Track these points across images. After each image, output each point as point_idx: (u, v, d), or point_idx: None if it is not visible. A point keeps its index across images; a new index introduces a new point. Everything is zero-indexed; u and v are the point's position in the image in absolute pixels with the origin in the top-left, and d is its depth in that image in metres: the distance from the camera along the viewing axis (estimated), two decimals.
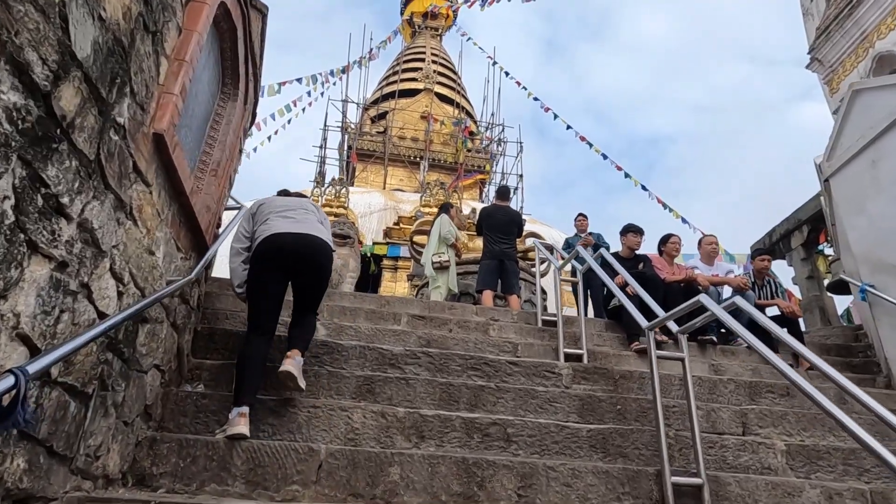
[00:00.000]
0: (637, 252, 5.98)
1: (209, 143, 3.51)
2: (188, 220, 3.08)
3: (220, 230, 3.94)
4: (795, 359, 5.55)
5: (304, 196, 4.09)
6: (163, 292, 2.51)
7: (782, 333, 2.74)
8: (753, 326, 3.25)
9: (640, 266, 5.70)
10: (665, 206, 25.96)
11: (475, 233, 7.67)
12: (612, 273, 5.14)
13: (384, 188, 26.68)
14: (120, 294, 2.26)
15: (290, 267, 3.30)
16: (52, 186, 1.65)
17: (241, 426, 2.71)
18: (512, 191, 30.14)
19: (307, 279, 3.39)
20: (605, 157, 28.12)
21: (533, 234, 9.71)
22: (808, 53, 15.24)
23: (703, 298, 2.97)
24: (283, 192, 4.07)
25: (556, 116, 29.81)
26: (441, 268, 7.50)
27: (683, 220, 25.40)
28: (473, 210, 14.93)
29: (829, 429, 3.87)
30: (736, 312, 5.59)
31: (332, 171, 34.73)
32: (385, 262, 13.25)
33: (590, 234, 8.92)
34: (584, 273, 5.36)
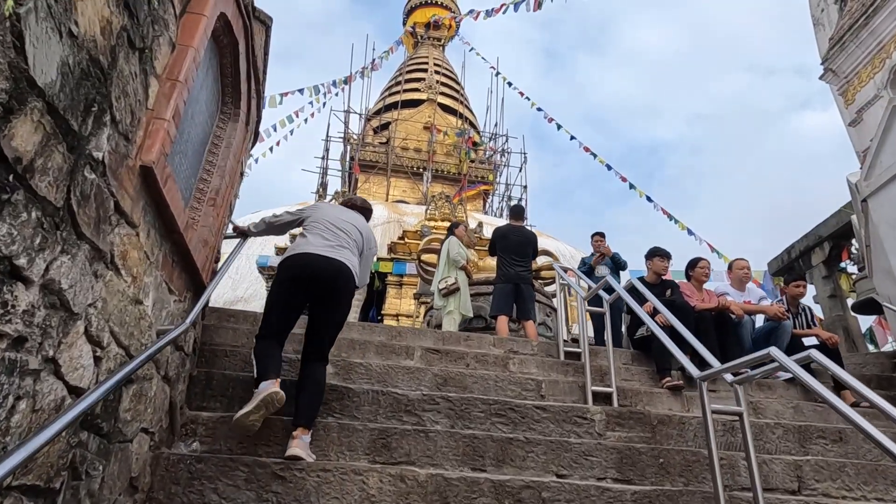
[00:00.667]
0: (664, 277, 5.61)
1: (207, 168, 3.17)
2: (182, 259, 2.73)
3: (220, 265, 3.58)
4: (836, 391, 5.18)
5: (368, 209, 4.25)
6: (151, 350, 2.15)
7: (854, 381, 2.38)
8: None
9: (668, 293, 5.33)
10: (671, 217, 25.56)
11: (488, 252, 7.31)
12: (639, 300, 4.78)
13: (387, 200, 26.37)
14: (98, 360, 1.90)
15: (309, 291, 3.30)
16: (1, 248, 1.30)
17: (274, 386, 2.86)
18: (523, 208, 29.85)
19: (322, 309, 3.32)
20: (609, 167, 27.74)
21: (546, 253, 9.34)
22: (822, 64, 14.94)
23: (774, 352, 2.59)
24: (348, 203, 4.11)
25: (559, 127, 29.48)
26: (449, 293, 7.13)
27: (690, 232, 25.00)
28: (480, 224, 14.60)
29: (892, 482, 3.49)
30: (768, 334, 5.30)
31: (334, 183, 34.52)
32: (390, 277, 12.89)
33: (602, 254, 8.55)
34: (611, 303, 4.98)
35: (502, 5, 17.61)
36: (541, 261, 9.51)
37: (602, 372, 4.73)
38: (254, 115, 3.86)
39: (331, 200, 15.35)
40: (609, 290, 4.98)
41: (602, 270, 8.19)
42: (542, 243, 16.71)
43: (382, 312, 12.57)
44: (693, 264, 5.70)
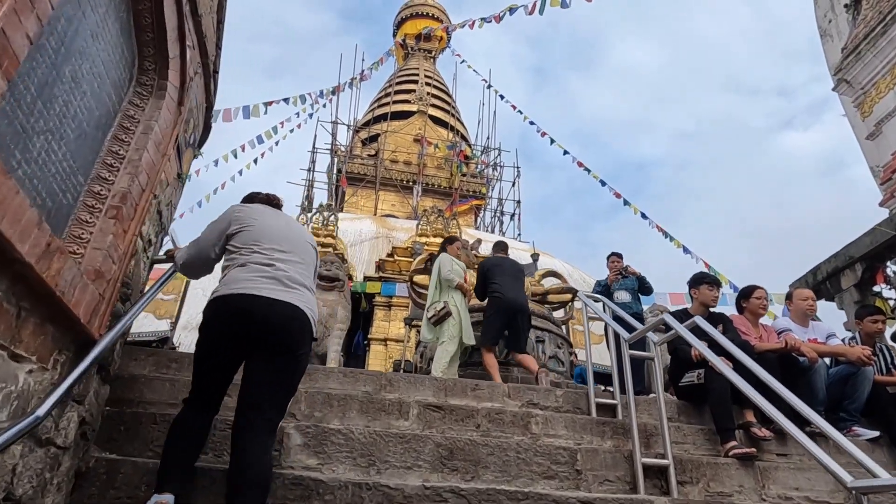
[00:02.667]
0: (712, 309, 4.61)
1: (108, 163, 2.13)
2: (40, 302, 1.67)
3: (139, 303, 2.52)
4: None
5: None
6: None
7: None
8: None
9: (720, 329, 4.33)
10: (666, 234, 24.79)
11: (477, 286, 6.26)
12: (695, 336, 3.77)
13: (375, 214, 25.34)
14: None
15: (251, 348, 2.39)
16: None
17: None
18: (509, 218, 28.97)
19: (270, 371, 2.38)
20: (603, 183, 26.93)
21: (553, 274, 8.35)
22: (834, 75, 14.21)
23: None
24: (270, 202, 2.88)
25: (552, 141, 28.61)
26: (439, 320, 5.99)
27: (685, 250, 24.22)
28: (479, 241, 13.60)
29: None
30: (844, 381, 4.31)
31: (321, 196, 33.46)
32: (378, 298, 11.83)
33: (622, 273, 7.57)
34: (659, 344, 3.95)
35: (501, 11, 16.80)
36: (547, 283, 8.51)
37: (647, 433, 3.71)
38: (197, 95, 2.83)
39: (313, 216, 14.28)
40: (644, 325, 3.95)
41: (622, 296, 7.21)
42: (545, 263, 15.76)
43: (370, 337, 11.48)
44: (747, 293, 4.71)
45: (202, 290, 11.77)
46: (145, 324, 12.41)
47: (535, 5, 15.12)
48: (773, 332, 4.59)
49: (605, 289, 7.38)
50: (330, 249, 12.89)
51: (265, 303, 2.36)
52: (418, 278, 7.80)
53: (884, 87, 12.71)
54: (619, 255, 7.60)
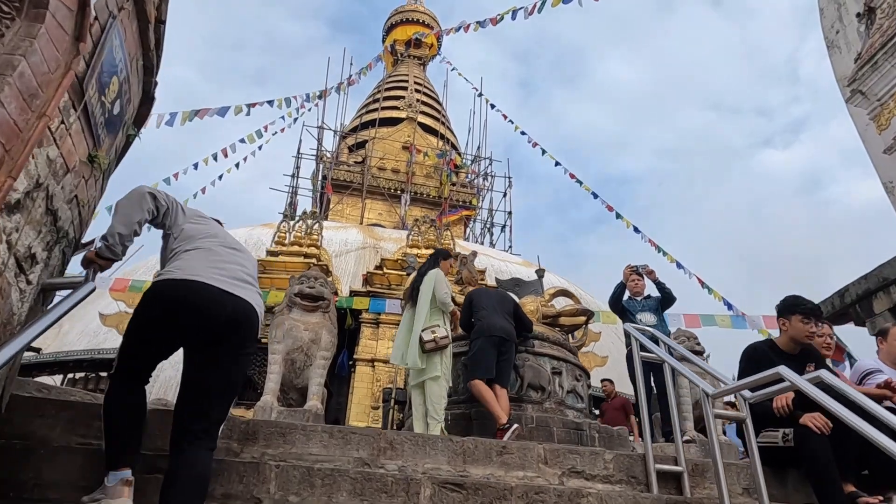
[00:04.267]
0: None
1: None
2: None
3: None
4: None
5: None
6: None
7: None
8: None
9: (811, 368, 3.45)
10: (659, 248, 24.15)
11: (462, 316, 5.43)
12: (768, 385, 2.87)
13: (361, 223, 24.34)
14: None
15: (195, 341, 2.29)
16: None
17: (126, 498, 2.06)
18: (500, 230, 28.11)
19: (213, 367, 2.27)
20: (595, 195, 26.33)
21: (564, 294, 7.44)
22: (847, 86, 13.61)
23: None
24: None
25: (544, 152, 28.02)
26: (437, 347, 5.04)
27: (678, 266, 23.56)
28: (474, 253, 12.67)
29: None
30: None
31: (305, 203, 32.40)
32: (365, 315, 10.84)
33: (648, 296, 6.69)
34: (751, 403, 3.01)
35: (499, 15, 16.02)
36: (559, 303, 7.60)
37: None
38: (124, 42, 1.87)
39: (296, 224, 13.25)
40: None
41: (646, 318, 6.32)
42: (551, 281, 14.86)
43: (355, 357, 10.48)
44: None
45: None
46: (108, 339, 11.28)
47: (534, 6, 14.40)
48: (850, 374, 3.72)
49: (621, 289, 6.51)
50: (313, 260, 11.88)
51: (218, 293, 2.30)
52: None
53: None
54: (639, 273, 6.71)
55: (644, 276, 6.58)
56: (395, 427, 7.68)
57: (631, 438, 7.77)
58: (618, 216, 24.77)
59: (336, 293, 10.60)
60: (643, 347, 3.56)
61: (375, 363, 10.55)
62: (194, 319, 2.24)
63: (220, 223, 2.71)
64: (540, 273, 9.23)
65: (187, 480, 2.04)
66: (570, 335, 7.80)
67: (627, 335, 6.19)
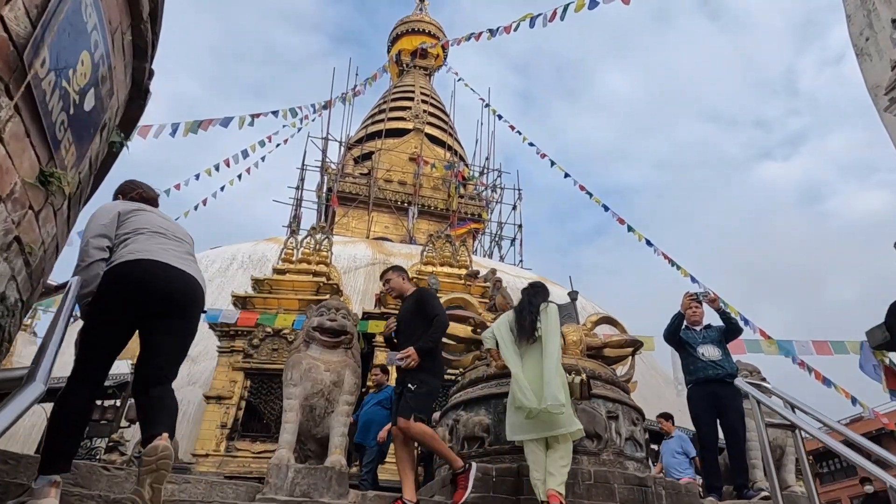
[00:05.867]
0: None
1: None
2: None
3: None
4: None
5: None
6: None
7: None
8: None
9: None
10: (672, 262, 23.44)
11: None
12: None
13: (368, 236, 23.64)
14: None
15: (156, 310, 2.63)
16: None
17: (52, 498, 2.19)
18: (509, 243, 27.40)
19: (168, 335, 2.70)
20: (606, 208, 25.68)
21: (608, 321, 6.69)
22: (886, 94, 12.93)
23: None
24: (146, 199, 2.99)
25: (552, 163, 27.41)
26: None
27: (693, 280, 22.82)
28: (493, 271, 11.94)
29: None
30: None
31: (309, 216, 31.68)
32: (379, 338, 10.08)
33: (709, 325, 5.95)
34: None
35: (515, 22, 15.40)
36: (601, 332, 6.86)
37: None
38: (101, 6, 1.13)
39: (304, 239, 12.52)
40: None
41: (709, 351, 5.57)
42: (585, 307, 14.07)
43: (368, 384, 9.70)
44: None
45: None
46: None
47: (555, 13, 13.77)
48: None
49: (680, 320, 5.77)
50: (323, 279, 11.15)
51: (171, 269, 2.66)
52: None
53: None
54: (699, 300, 5.97)
55: (705, 303, 5.84)
56: (420, 474, 6.90)
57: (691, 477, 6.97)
58: (630, 229, 24.06)
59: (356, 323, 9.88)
60: (773, 416, 2.81)
61: None
62: (156, 294, 2.59)
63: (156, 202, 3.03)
64: (573, 296, 8.48)
65: (165, 406, 2.49)
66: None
67: (695, 373, 5.39)
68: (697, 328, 5.83)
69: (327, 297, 10.66)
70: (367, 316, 10.30)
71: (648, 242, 24.21)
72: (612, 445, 4.91)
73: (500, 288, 6.65)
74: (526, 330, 4.48)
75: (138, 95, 1.81)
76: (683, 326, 5.87)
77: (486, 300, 10.34)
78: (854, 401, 13.11)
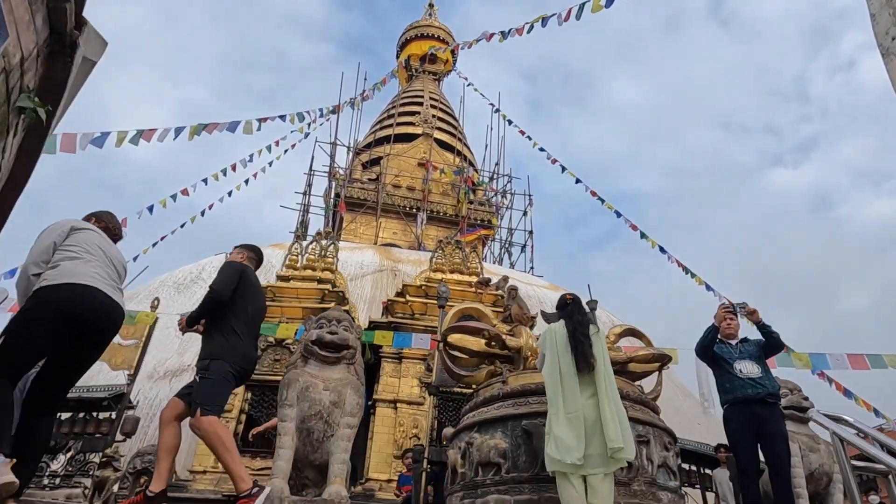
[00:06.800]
0: None
1: None
2: None
3: None
4: None
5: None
6: None
7: None
8: None
9: None
10: (687, 270, 22.82)
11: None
12: None
13: (376, 242, 23.24)
14: None
15: (78, 339, 2.94)
16: None
17: (9, 474, 2.44)
18: (520, 250, 26.89)
19: (80, 361, 3.06)
20: (619, 214, 25.10)
21: (633, 333, 6.19)
22: None
23: None
24: (110, 231, 3.43)
25: (563, 169, 26.90)
26: None
27: (708, 287, 22.21)
28: (505, 279, 11.46)
29: None
30: None
31: (316, 222, 31.38)
32: (385, 349, 9.63)
33: (746, 339, 5.44)
34: None
35: (528, 24, 14.97)
36: (625, 344, 6.37)
37: None
38: None
39: (309, 245, 12.10)
40: None
41: (748, 368, 5.06)
42: (601, 317, 13.54)
43: (375, 397, 9.25)
44: None
45: (174, 330, 9.52)
46: (99, 375, 10.12)
47: (569, 12, 13.34)
48: None
49: (714, 333, 5.27)
50: (328, 286, 10.71)
51: (105, 298, 2.96)
52: (454, 338, 5.63)
53: None
54: (733, 313, 5.47)
55: (742, 316, 5.34)
56: (429, 495, 6.42)
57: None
58: (643, 235, 23.50)
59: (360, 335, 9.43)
60: (861, 454, 2.32)
61: (398, 404, 9.31)
62: (88, 322, 2.89)
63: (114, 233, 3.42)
64: (592, 305, 8.00)
65: (38, 441, 2.92)
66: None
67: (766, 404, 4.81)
68: (733, 342, 5.33)
69: (332, 305, 10.21)
70: (374, 325, 9.84)
71: (662, 249, 23.60)
72: (644, 474, 4.40)
73: (515, 297, 6.18)
74: (583, 360, 3.96)
75: (62, 49, 1.40)
76: (717, 340, 5.37)
77: (499, 309, 9.87)
78: (877, 412, 12.55)
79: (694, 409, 11.80)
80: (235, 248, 4.19)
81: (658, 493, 4.40)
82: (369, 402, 9.63)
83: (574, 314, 4.32)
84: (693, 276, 22.28)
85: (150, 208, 16.98)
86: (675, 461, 4.79)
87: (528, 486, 4.31)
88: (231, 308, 3.63)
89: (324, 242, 12.02)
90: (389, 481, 8.41)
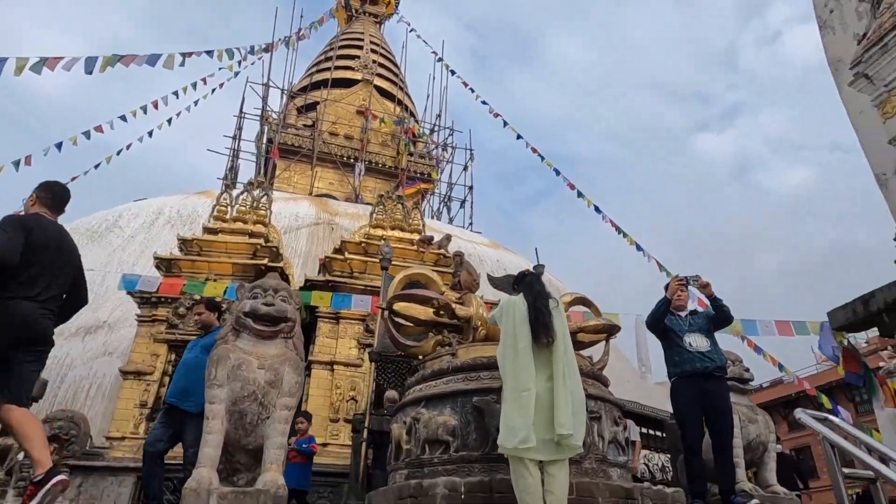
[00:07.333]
0: None
1: None
2: None
3: None
4: None
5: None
6: None
7: None
8: None
9: None
10: (619, 230, 23.40)
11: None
12: None
13: (311, 193, 22.27)
14: None
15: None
16: None
17: None
18: (459, 205, 26.62)
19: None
20: (557, 172, 25.26)
21: (582, 301, 6.04)
22: (851, 68, 12.71)
23: None
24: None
25: (505, 124, 26.60)
26: None
27: (638, 248, 22.91)
28: (448, 237, 11.14)
29: None
30: None
31: (247, 169, 29.80)
32: (322, 309, 9.17)
33: (695, 311, 5.41)
34: None
35: None
36: (574, 313, 6.23)
37: None
38: None
39: (240, 195, 11.24)
40: None
41: (696, 341, 5.01)
42: (549, 283, 13.41)
43: (311, 359, 8.84)
44: None
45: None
46: None
47: None
48: None
49: (666, 306, 5.19)
50: (261, 241, 10.04)
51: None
52: (400, 306, 5.28)
53: None
54: (685, 283, 5.40)
55: (693, 289, 5.28)
56: (368, 467, 6.17)
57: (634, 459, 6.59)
58: (579, 195, 23.74)
59: (287, 279, 8.85)
60: (846, 461, 2.17)
61: (335, 366, 8.95)
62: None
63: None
64: (539, 270, 7.85)
65: None
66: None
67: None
68: (682, 314, 5.27)
69: (265, 261, 9.59)
70: (311, 284, 9.33)
71: (597, 209, 23.94)
72: (596, 451, 4.31)
73: (463, 263, 5.87)
74: (544, 331, 3.71)
75: None
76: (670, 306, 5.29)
77: (441, 269, 9.57)
78: (781, 367, 13.57)
79: (629, 372, 12.13)
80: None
81: (608, 469, 4.32)
82: (304, 364, 9.22)
83: (534, 285, 4.07)
84: (625, 235, 22.82)
85: (59, 145, 15.39)
86: (624, 435, 4.73)
87: (479, 466, 4.12)
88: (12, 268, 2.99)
89: (256, 192, 11.22)
90: (325, 445, 8.13)
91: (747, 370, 5.63)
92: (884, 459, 2.13)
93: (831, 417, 2.41)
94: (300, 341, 4.11)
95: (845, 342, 8.69)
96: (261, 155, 25.19)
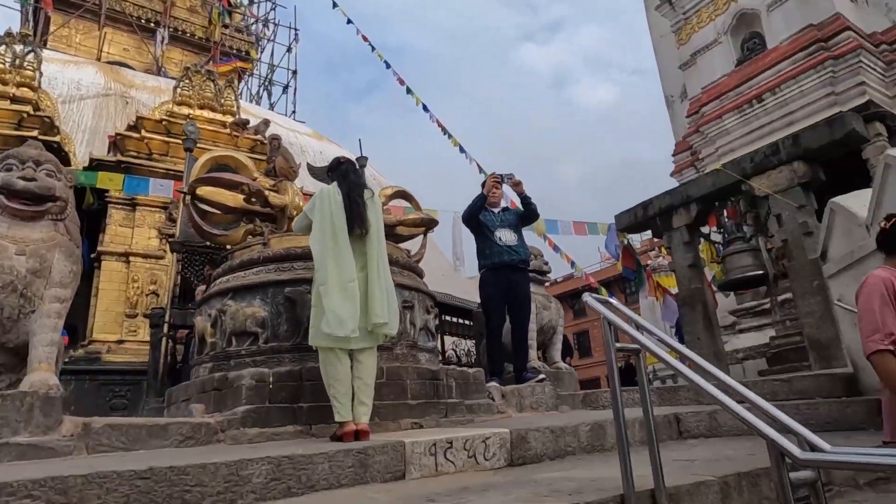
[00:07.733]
0: None
1: None
2: None
3: None
4: None
5: None
6: None
7: None
8: None
9: None
10: (445, 131, 23.94)
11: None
12: None
13: (99, 58, 18.84)
14: None
15: None
16: None
17: None
18: (282, 90, 24.63)
19: None
20: (388, 65, 24.52)
21: (402, 195, 6.01)
22: None
23: None
24: None
25: (335, 5, 24.87)
26: None
27: (461, 150, 23.80)
28: (266, 122, 10.23)
29: None
30: None
31: (8, 18, 24.02)
32: (114, 193, 8.00)
33: (506, 208, 5.70)
34: None
35: None
36: (395, 207, 6.20)
37: None
38: None
39: None
40: None
41: (505, 236, 5.33)
42: (371, 177, 12.93)
43: (100, 249, 7.78)
44: None
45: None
46: None
47: None
48: None
49: (482, 202, 5.44)
50: (28, 108, 8.31)
51: None
52: (205, 191, 4.75)
53: (706, 16, 12.53)
54: (501, 181, 5.63)
55: (507, 186, 5.52)
56: (170, 362, 5.76)
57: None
58: (408, 91, 23.43)
59: (67, 161, 7.55)
60: (620, 336, 2.44)
61: (131, 258, 8.03)
62: None
63: None
64: (362, 162, 7.61)
65: None
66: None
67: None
68: (496, 210, 5.55)
69: (34, 134, 8.00)
70: (98, 164, 8.04)
71: (425, 107, 23.85)
72: (407, 338, 4.47)
73: (280, 148, 5.42)
74: (358, 222, 3.56)
75: None
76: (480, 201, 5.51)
77: (257, 156, 8.88)
78: (573, 264, 15.65)
79: (445, 266, 12.75)
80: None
81: (418, 354, 4.53)
82: (92, 255, 8.14)
83: (349, 175, 3.88)
84: (450, 137, 23.25)
85: None
86: (434, 322, 4.97)
87: (289, 356, 4.03)
88: None
89: (19, 48, 9.10)
90: (121, 342, 7.43)
91: (546, 263, 6.19)
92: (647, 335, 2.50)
93: (611, 300, 2.76)
94: (75, 226, 3.50)
95: (625, 241, 10.00)
96: (28, 3, 20.43)
